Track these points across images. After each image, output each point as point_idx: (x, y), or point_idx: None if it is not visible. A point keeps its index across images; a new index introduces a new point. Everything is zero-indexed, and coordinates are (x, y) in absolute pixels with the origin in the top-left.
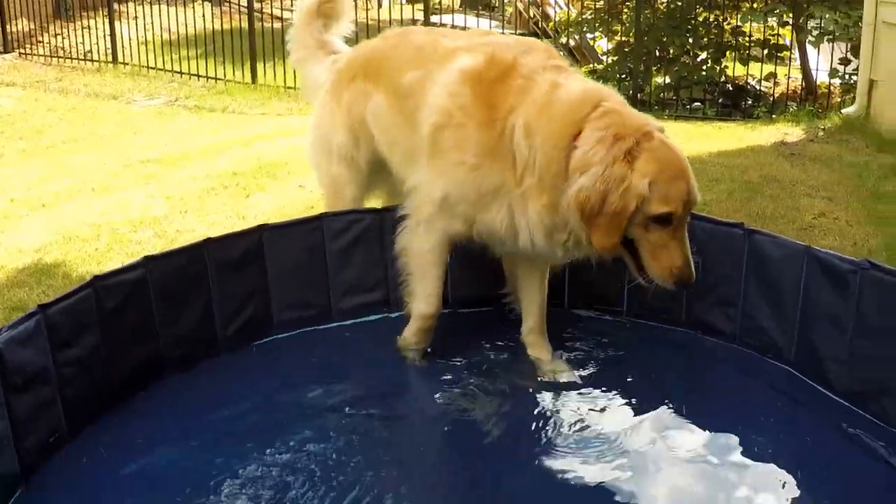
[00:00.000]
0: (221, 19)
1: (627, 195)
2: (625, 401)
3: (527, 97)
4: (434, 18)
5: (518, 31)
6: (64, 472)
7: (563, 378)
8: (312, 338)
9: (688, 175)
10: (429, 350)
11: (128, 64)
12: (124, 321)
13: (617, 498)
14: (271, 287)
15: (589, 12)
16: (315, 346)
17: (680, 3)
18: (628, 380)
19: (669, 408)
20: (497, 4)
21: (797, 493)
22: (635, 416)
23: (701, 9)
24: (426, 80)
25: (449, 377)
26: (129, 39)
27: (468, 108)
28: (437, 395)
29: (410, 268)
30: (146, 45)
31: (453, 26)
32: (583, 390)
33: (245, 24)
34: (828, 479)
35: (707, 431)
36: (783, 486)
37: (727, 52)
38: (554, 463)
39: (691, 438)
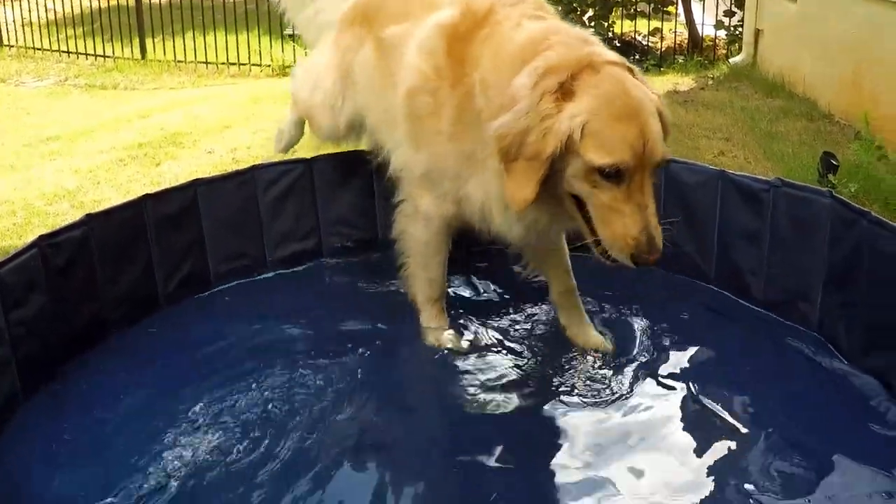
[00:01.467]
0: None
1: (548, 135)
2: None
3: (489, 46)
4: None
5: None
6: (23, 430)
7: (595, 348)
8: (250, 288)
9: (642, 117)
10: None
11: (13, 46)
12: (70, 280)
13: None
14: (207, 240)
15: None
16: (254, 296)
17: None
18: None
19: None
20: None
21: (742, 399)
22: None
23: None
24: (406, 36)
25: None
26: (13, 21)
27: (442, 69)
28: (373, 334)
29: (410, 253)
30: (31, 27)
31: None
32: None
33: (130, 1)
34: (767, 383)
35: (651, 354)
36: (729, 396)
37: (613, 9)
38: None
39: (641, 365)
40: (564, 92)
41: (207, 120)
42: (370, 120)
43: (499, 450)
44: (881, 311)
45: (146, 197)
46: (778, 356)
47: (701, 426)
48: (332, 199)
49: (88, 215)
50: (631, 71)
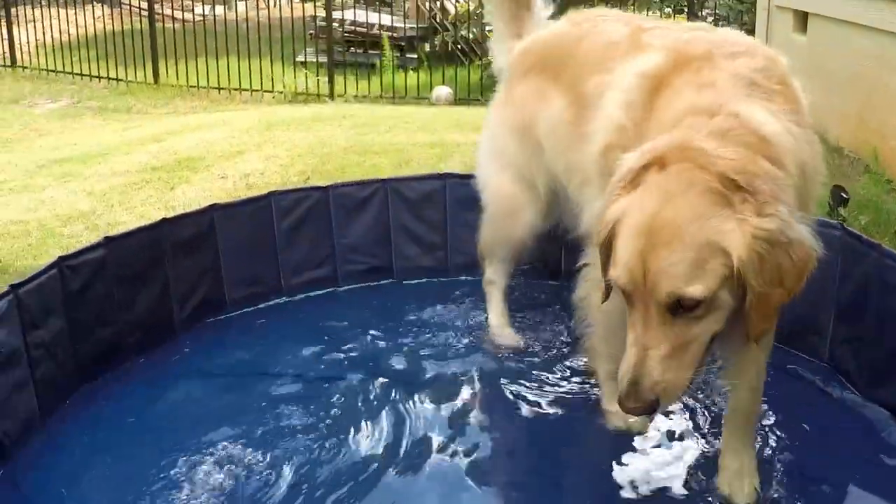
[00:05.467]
0: (122, 20)
1: (601, 230)
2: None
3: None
4: (335, 14)
5: (418, 25)
6: (41, 454)
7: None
8: (265, 314)
9: (650, 241)
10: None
11: (27, 67)
12: (87, 303)
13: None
14: (223, 265)
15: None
16: (268, 322)
17: None
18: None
19: None
20: None
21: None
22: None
23: None
24: (607, 86)
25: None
26: (27, 42)
27: (640, 122)
28: (396, 363)
29: (592, 323)
30: (44, 48)
31: (353, 22)
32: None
33: (143, 25)
34: (777, 413)
35: None
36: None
37: None
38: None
39: None
40: (632, 183)
41: (220, 145)
42: (571, 188)
43: None
44: (889, 343)
45: (164, 221)
46: (789, 386)
47: (711, 455)
48: (347, 226)
49: (107, 238)
50: (725, 178)
